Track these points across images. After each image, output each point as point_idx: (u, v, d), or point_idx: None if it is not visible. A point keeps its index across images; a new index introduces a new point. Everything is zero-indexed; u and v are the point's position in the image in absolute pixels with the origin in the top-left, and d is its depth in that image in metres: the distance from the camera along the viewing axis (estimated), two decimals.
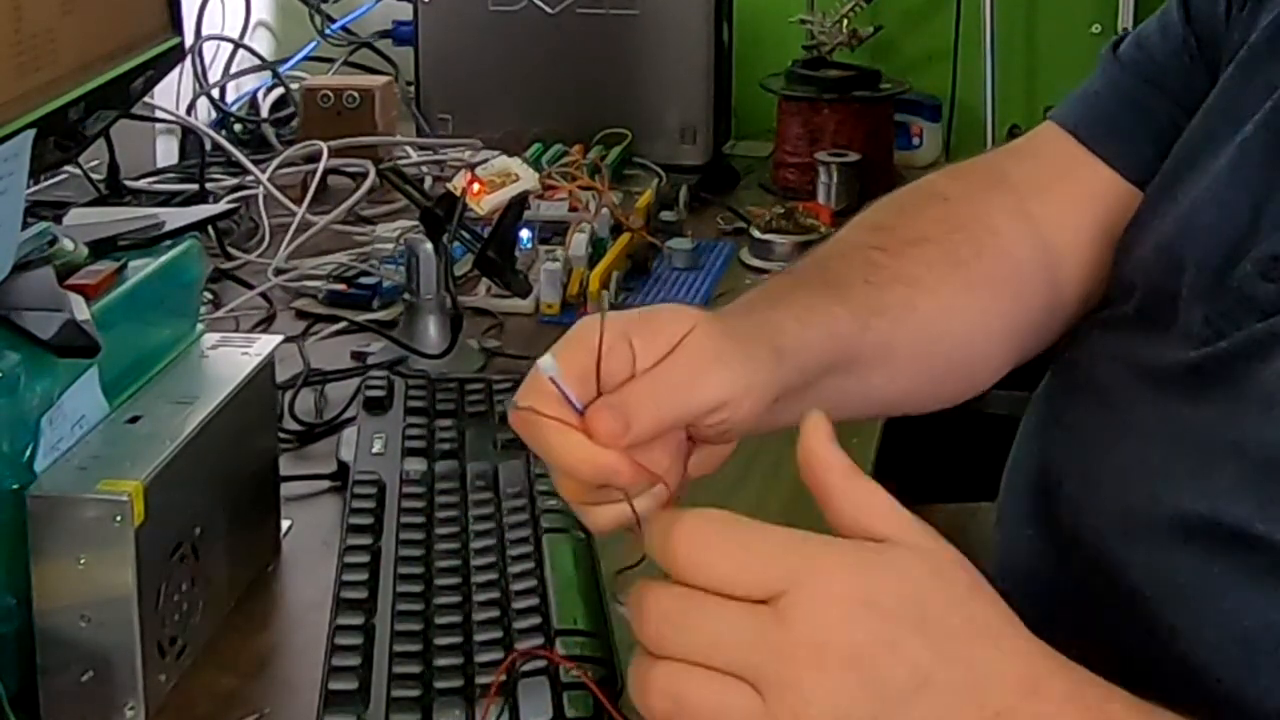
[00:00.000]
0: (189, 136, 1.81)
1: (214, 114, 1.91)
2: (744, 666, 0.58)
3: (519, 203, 1.34)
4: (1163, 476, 0.76)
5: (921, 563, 0.61)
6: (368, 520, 0.98)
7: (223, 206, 1.56)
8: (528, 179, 1.34)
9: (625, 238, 1.54)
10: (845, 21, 1.95)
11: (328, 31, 2.10)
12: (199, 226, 1.04)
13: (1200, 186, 0.83)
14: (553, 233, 1.54)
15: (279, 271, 1.51)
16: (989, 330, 0.90)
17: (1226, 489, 0.73)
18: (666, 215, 1.66)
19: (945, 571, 0.61)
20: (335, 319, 1.42)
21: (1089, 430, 0.84)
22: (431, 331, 1.33)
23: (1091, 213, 0.93)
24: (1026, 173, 0.95)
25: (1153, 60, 0.94)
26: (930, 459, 1.81)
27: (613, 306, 1.45)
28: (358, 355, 1.34)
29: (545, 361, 0.67)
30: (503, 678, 0.80)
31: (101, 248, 0.94)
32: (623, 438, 0.66)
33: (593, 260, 1.47)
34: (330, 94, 1.83)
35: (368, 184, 1.69)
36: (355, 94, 1.83)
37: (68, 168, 1.60)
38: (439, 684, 0.82)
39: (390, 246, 1.53)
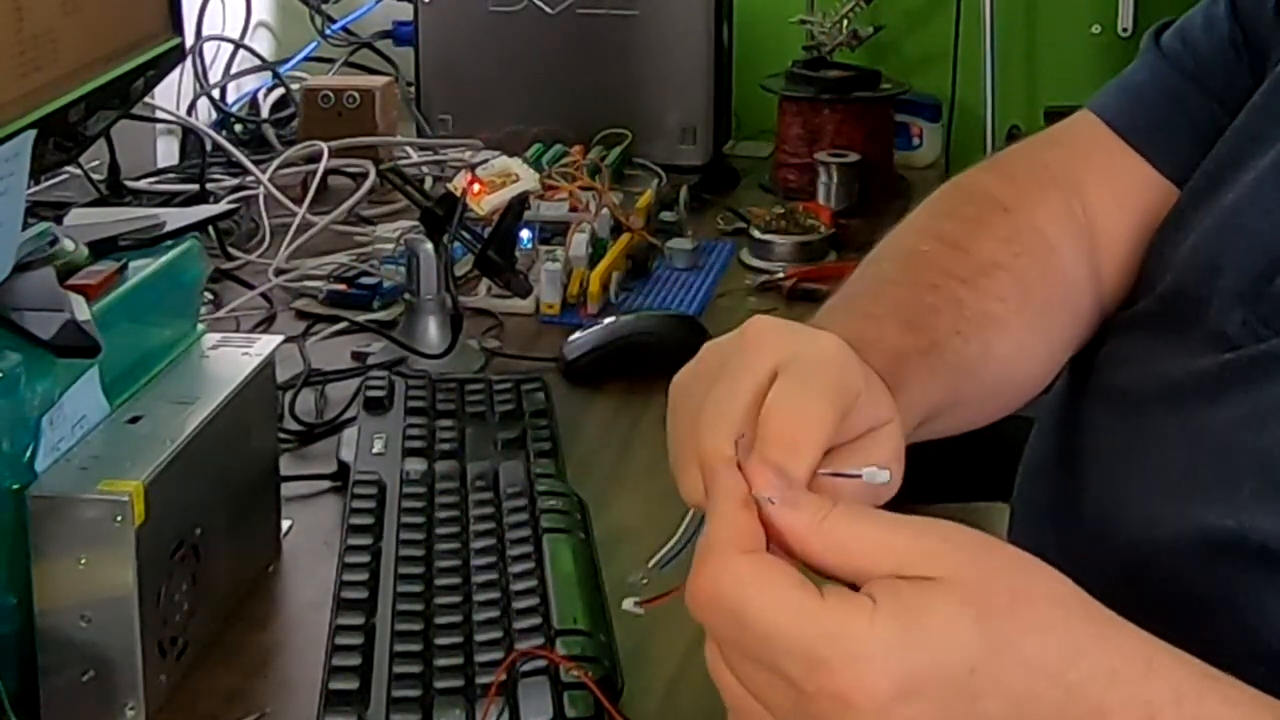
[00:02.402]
0: (189, 137, 1.81)
1: (214, 114, 1.91)
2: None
3: (519, 203, 1.34)
4: (1187, 486, 0.74)
5: (963, 612, 0.55)
6: (368, 520, 0.98)
7: (223, 207, 1.56)
8: (528, 179, 1.34)
9: (625, 238, 1.54)
10: (845, 22, 1.95)
11: (328, 32, 2.10)
12: (199, 227, 1.04)
13: (1243, 188, 0.81)
14: (553, 233, 1.54)
15: (279, 272, 1.51)
16: (1051, 351, 0.89)
17: (1252, 502, 0.71)
18: (666, 215, 1.66)
19: (992, 606, 0.56)
20: (335, 319, 1.42)
21: (1112, 434, 0.82)
22: (432, 331, 1.33)
23: (1130, 209, 0.91)
24: (1068, 167, 0.93)
25: (1195, 54, 0.92)
26: (930, 459, 1.81)
27: (612, 306, 1.45)
28: (358, 355, 1.35)
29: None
30: (503, 678, 0.80)
31: (102, 248, 0.94)
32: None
33: (593, 260, 1.48)
34: (331, 94, 1.83)
35: (368, 184, 1.69)
36: (355, 94, 1.83)
37: (68, 168, 1.60)
38: (439, 684, 0.82)
39: (390, 246, 1.53)
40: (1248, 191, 0.81)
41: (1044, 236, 0.89)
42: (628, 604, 0.64)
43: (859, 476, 0.63)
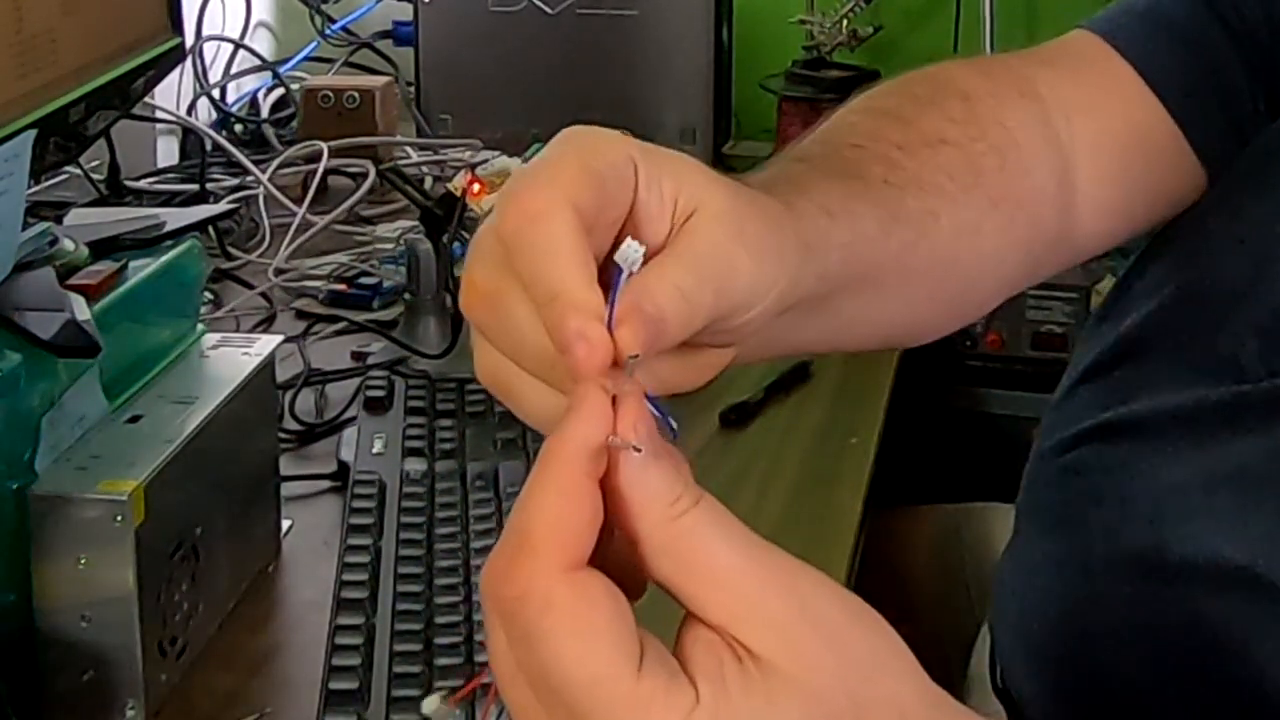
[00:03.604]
0: (189, 137, 1.81)
1: (214, 114, 1.91)
2: None
3: None
4: (1200, 515, 0.71)
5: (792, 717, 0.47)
6: (368, 520, 0.98)
7: (223, 207, 1.56)
8: None
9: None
10: (845, 21, 1.95)
11: (328, 32, 2.10)
12: (199, 227, 1.04)
13: (1274, 211, 0.76)
14: None
15: (279, 271, 1.51)
16: (1003, 254, 0.78)
17: (1265, 538, 0.68)
18: None
19: (826, 715, 0.47)
20: (335, 319, 1.42)
21: (1122, 453, 0.77)
22: (431, 331, 1.33)
23: (1127, 151, 0.83)
24: (1059, 88, 0.83)
25: (1239, 11, 0.83)
26: (930, 459, 1.81)
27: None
28: (358, 355, 1.34)
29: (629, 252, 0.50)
30: None
31: (102, 248, 0.94)
32: (655, 347, 0.50)
33: None
34: (330, 94, 1.83)
35: (368, 184, 1.69)
36: (355, 94, 1.83)
37: (68, 168, 1.60)
38: (439, 684, 0.82)
39: (390, 246, 1.53)
40: (1277, 217, 0.76)
41: (1007, 131, 0.78)
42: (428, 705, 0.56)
43: (636, 449, 0.47)
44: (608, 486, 0.47)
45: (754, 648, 0.46)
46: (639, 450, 0.47)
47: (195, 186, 1.67)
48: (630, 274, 0.50)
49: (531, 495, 0.47)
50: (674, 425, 0.50)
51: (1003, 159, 0.77)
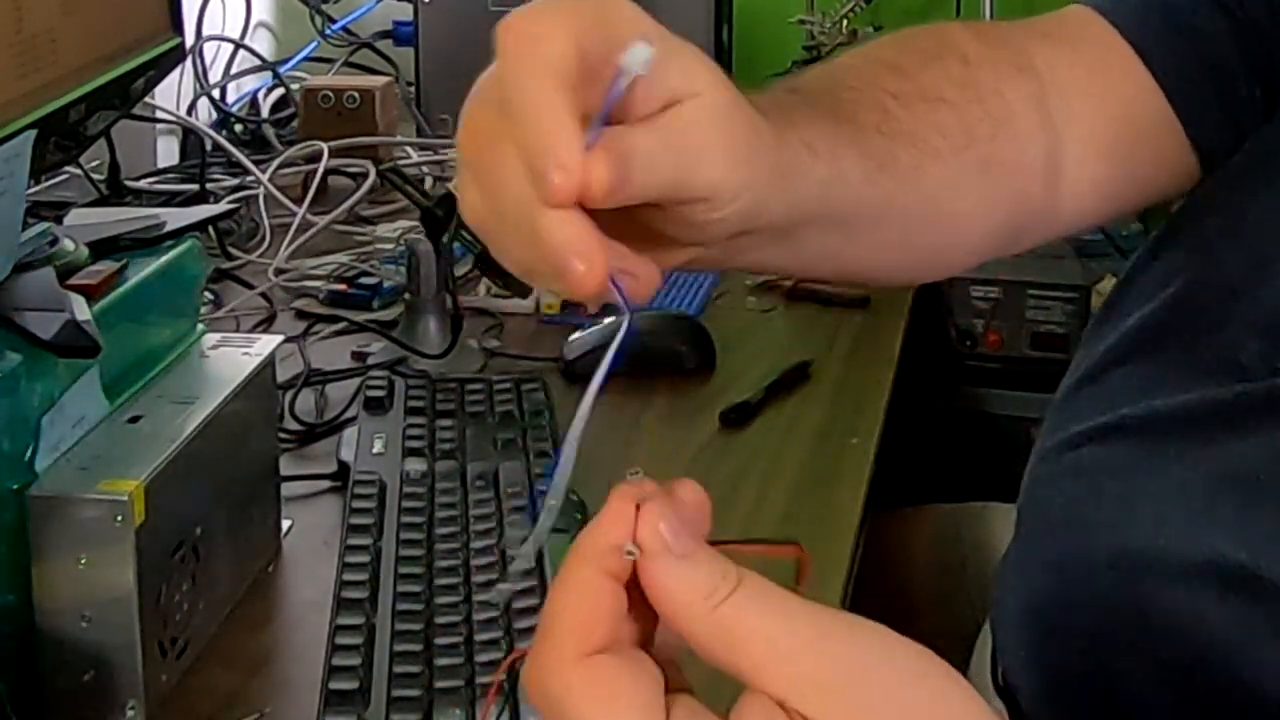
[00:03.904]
0: (189, 137, 1.82)
1: (214, 114, 1.91)
2: None
3: None
4: (1202, 515, 0.71)
5: None
6: (368, 520, 0.98)
7: (223, 207, 1.57)
8: None
9: None
10: (845, 21, 1.95)
11: (328, 32, 2.10)
12: (200, 227, 1.04)
13: (1273, 211, 0.77)
14: None
15: (279, 271, 1.51)
16: (985, 218, 0.79)
17: (1266, 539, 0.68)
18: None
19: None
20: (335, 319, 1.42)
21: (1125, 453, 0.78)
22: (431, 331, 1.33)
23: (1118, 131, 0.83)
24: (1056, 64, 0.83)
25: (1241, 2, 0.84)
26: (930, 459, 1.81)
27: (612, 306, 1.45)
28: (358, 355, 1.35)
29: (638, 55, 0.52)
30: (502, 678, 0.80)
31: (102, 248, 0.94)
32: (617, 193, 0.52)
33: None
34: (331, 94, 1.83)
35: (368, 184, 1.69)
36: (355, 94, 1.83)
37: (68, 168, 1.60)
38: (439, 684, 0.82)
39: (390, 246, 1.53)
40: (1277, 219, 0.77)
41: (1004, 101, 0.79)
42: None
43: (630, 553, 0.49)
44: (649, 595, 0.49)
45: (813, 715, 0.46)
46: (632, 553, 0.48)
47: (195, 186, 1.67)
48: (636, 76, 0.52)
49: (555, 592, 0.50)
50: (630, 307, 0.53)
51: (996, 128, 0.78)
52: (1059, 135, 0.82)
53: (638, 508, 0.49)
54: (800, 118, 0.67)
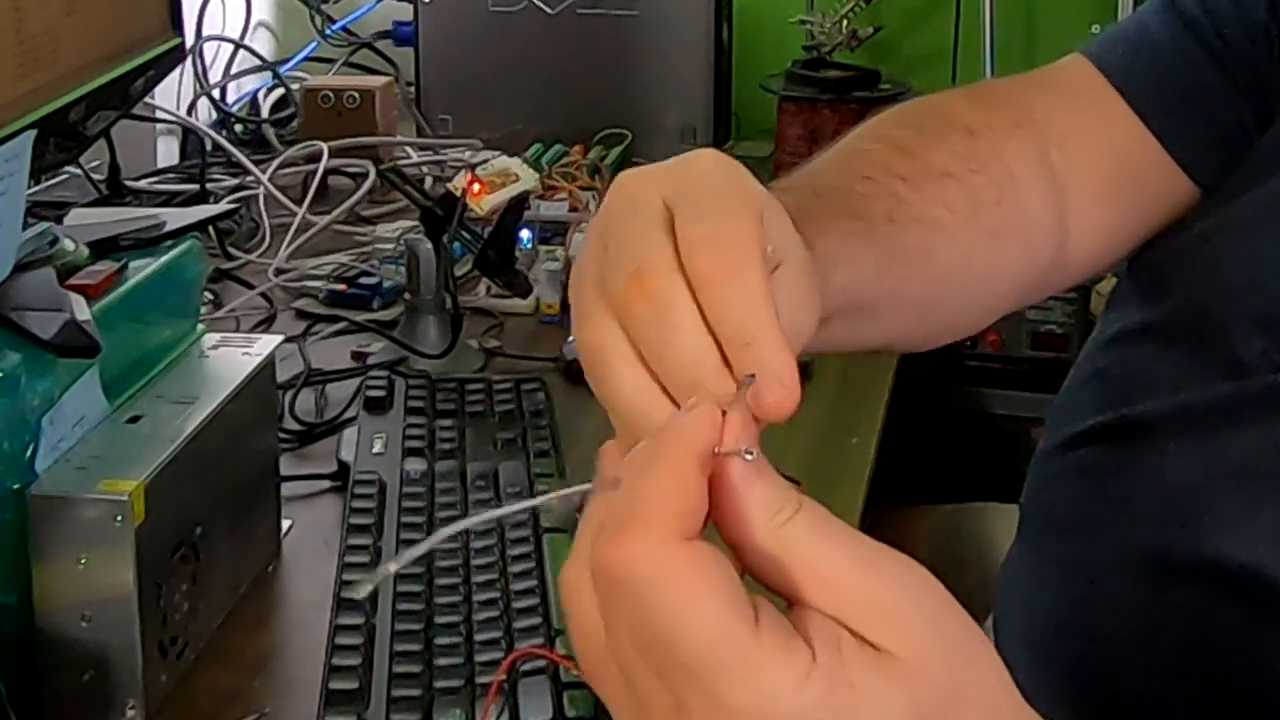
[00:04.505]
0: (190, 137, 1.81)
1: (214, 114, 1.91)
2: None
3: (519, 203, 1.34)
4: (1203, 513, 0.72)
5: (900, 702, 0.47)
6: (368, 520, 0.98)
7: (223, 207, 1.57)
8: (528, 179, 1.34)
9: None
10: (845, 22, 1.95)
11: (328, 32, 2.10)
12: (200, 227, 1.04)
13: (1270, 210, 0.78)
14: (553, 233, 1.54)
15: (279, 271, 1.51)
16: (995, 282, 0.83)
17: (1267, 536, 0.68)
18: None
19: (930, 703, 0.47)
20: (335, 319, 1.42)
21: (1127, 453, 0.78)
22: (431, 331, 1.33)
23: (1120, 178, 0.86)
24: (1053, 114, 0.86)
25: (1221, 33, 0.86)
26: (930, 459, 1.81)
27: None
28: (358, 355, 1.35)
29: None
30: (503, 678, 0.80)
31: (102, 248, 0.94)
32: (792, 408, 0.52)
33: None
34: (331, 94, 1.83)
35: (368, 184, 1.69)
36: (355, 94, 1.83)
37: (68, 168, 1.60)
38: (439, 684, 0.82)
39: (390, 246, 1.53)
40: (1274, 216, 0.78)
41: (1008, 166, 0.82)
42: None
43: (749, 454, 0.50)
44: (710, 501, 0.49)
45: (867, 635, 0.47)
46: (750, 454, 0.49)
47: (195, 186, 1.67)
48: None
49: (644, 477, 0.48)
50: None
51: (1000, 192, 0.81)
52: (1061, 186, 0.85)
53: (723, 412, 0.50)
54: (821, 226, 0.70)
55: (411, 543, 0.95)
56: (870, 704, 0.46)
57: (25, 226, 0.87)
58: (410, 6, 1.96)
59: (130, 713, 0.83)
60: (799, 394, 0.52)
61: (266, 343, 1.00)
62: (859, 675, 0.46)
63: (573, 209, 1.56)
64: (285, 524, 1.05)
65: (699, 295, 0.53)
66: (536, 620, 0.86)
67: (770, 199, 0.58)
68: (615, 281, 0.54)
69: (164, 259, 0.96)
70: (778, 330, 0.52)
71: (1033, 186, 0.83)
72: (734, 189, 0.56)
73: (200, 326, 1.01)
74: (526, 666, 0.81)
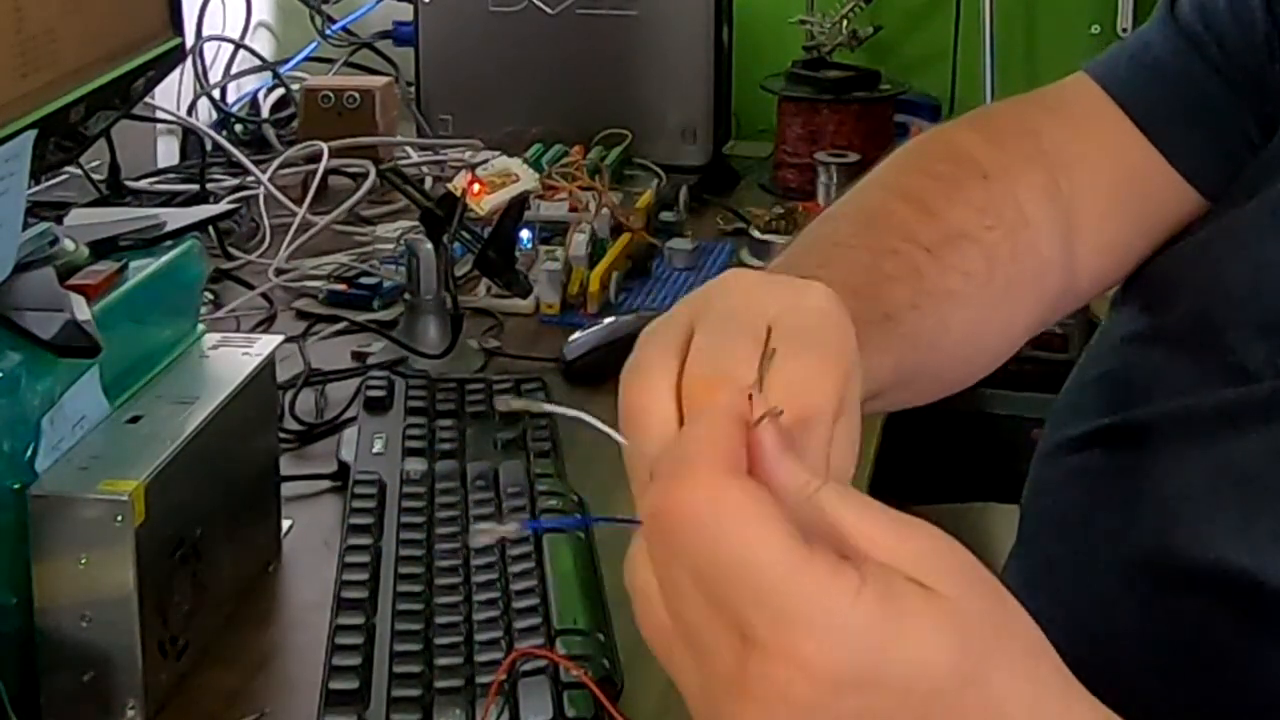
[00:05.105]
0: (190, 137, 1.81)
1: (215, 114, 1.91)
2: (701, 663, 0.50)
3: (519, 203, 1.34)
4: (1204, 519, 0.71)
5: (949, 630, 0.49)
6: (368, 520, 0.98)
7: (223, 207, 1.56)
8: (528, 179, 1.34)
9: (625, 238, 1.54)
10: (845, 22, 1.95)
11: (328, 32, 2.10)
12: (200, 227, 1.04)
13: (1272, 217, 0.78)
14: (553, 233, 1.54)
15: (279, 272, 1.51)
16: (1010, 331, 0.85)
17: (1268, 542, 0.68)
18: (666, 216, 1.66)
19: (977, 635, 0.50)
20: (336, 319, 1.42)
21: (1128, 458, 0.78)
22: (431, 331, 1.33)
23: (1125, 196, 0.87)
24: (1060, 140, 0.88)
25: (1221, 44, 0.87)
26: (930, 459, 1.81)
27: (612, 306, 1.45)
28: (358, 355, 1.35)
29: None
30: (503, 678, 0.80)
31: (102, 248, 0.94)
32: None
33: (593, 260, 1.48)
34: (331, 94, 1.83)
35: (368, 184, 1.69)
36: (356, 94, 1.83)
37: (69, 168, 1.60)
38: (439, 684, 0.82)
39: (390, 246, 1.53)
40: (1276, 223, 0.78)
41: (1021, 211, 0.84)
42: None
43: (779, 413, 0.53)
44: None
45: (915, 576, 0.49)
46: (780, 413, 0.51)
47: (195, 186, 1.67)
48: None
49: (689, 432, 0.51)
50: None
51: (1014, 243, 0.82)
52: (1071, 216, 0.86)
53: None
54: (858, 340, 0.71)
55: (412, 543, 0.96)
56: (921, 627, 0.48)
57: (25, 226, 0.87)
58: (410, 6, 1.96)
59: (130, 713, 0.83)
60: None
61: (266, 343, 1.00)
62: (909, 602, 0.48)
63: (573, 209, 1.56)
64: (285, 524, 1.05)
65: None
66: (536, 620, 0.86)
67: (857, 355, 0.59)
68: (692, 366, 0.56)
69: (164, 259, 0.96)
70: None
71: (1044, 228, 0.85)
72: (838, 338, 0.57)
73: (200, 326, 1.01)
74: (526, 666, 0.81)
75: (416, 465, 1.05)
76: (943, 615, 0.49)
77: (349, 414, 1.20)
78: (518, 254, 1.39)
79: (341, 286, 1.47)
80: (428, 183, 1.68)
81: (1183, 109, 0.87)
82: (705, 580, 0.49)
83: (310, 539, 1.05)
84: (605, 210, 1.55)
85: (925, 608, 0.49)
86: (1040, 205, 0.85)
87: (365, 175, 1.71)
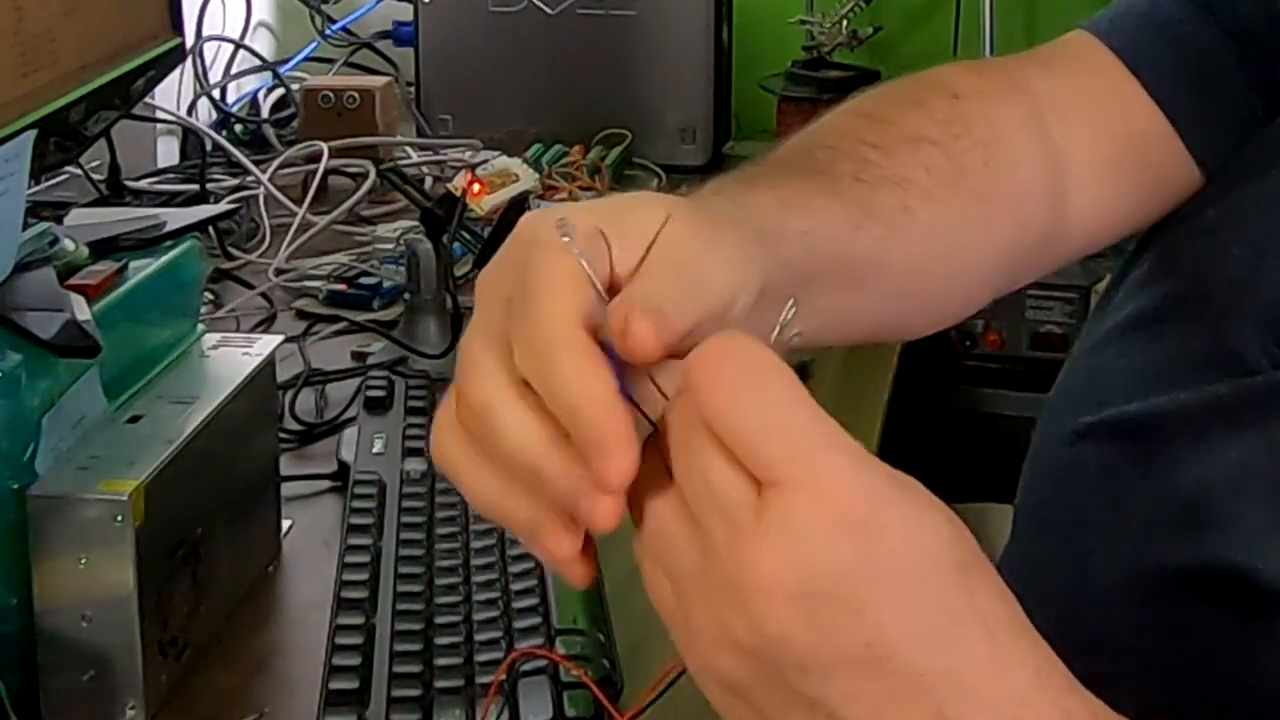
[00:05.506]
0: (190, 137, 1.81)
1: (215, 114, 1.91)
2: (709, 528, 0.50)
3: (519, 203, 1.35)
4: (1196, 515, 0.71)
5: (952, 533, 0.52)
6: (368, 520, 0.98)
7: (223, 207, 1.57)
8: (528, 179, 1.35)
9: None
10: (845, 22, 1.95)
11: (328, 32, 2.10)
12: (200, 227, 1.04)
13: (1273, 204, 0.76)
14: None
15: (279, 272, 1.51)
16: (985, 251, 0.79)
17: (1261, 537, 0.68)
18: None
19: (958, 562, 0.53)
20: (336, 319, 1.42)
21: (1119, 452, 0.77)
22: (431, 331, 1.33)
23: (1123, 151, 0.83)
24: (1055, 89, 0.84)
25: (1235, 12, 0.83)
26: (930, 459, 1.81)
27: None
28: (358, 355, 1.35)
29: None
30: (503, 678, 0.80)
31: (102, 248, 0.94)
32: (667, 344, 0.52)
33: None
34: (331, 94, 1.83)
35: (368, 184, 1.69)
36: (355, 94, 1.83)
37: (69, 168, 1.60)
38: (439, 684, 0.82)
39: (390, 246, 1.53)
40: (1277, 208, 0.76)
41: (994, 128, 0.79)
42: None
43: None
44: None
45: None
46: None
47: (195, 186, 1.67)
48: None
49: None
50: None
51: (987, 154, 0.78)
52: (1059, 156, 0.82)
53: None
54: (767, 181, 0.68)
55: (412, 543, 0.96)
56: (929, 503, 0.51)
57: (25, 226, 0.87)
58: (410, 6, 1.96)
59: (130, 713, 0.83)
60: (627, 461, 0.50)
61: (266, 343, 1.00)
62: (916, 488, 0.51)
63: None
64: (285, 524, 1.05)
65: (539, 383, 0.53)
66: (536, 620, 0.86)
67: (600, 208, 0.57)
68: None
69: (164, 259, 0.96)
70: (599, 395, 0.51)
71: (1024, 150, 0.80)
72: (547, 266, 0.54)
73: (200, 326, 1.01)
74: (526, 666, 0.81)
75: (416, 465, 1.05)
76: (938, 511, 0.52)
77: (349, 414, 1.20)
78: None
79: (341, 286, 1.47)
80: (428, 183, 1.68)
81: (1192, 76, 0.84)
82: (731, 434, 0.49)
83: (310, 539, 1.05)
84: None
85: (930, 501, 0.51)
86: (1020, 130, 0.80)
87: (365, 175, 1.71)
